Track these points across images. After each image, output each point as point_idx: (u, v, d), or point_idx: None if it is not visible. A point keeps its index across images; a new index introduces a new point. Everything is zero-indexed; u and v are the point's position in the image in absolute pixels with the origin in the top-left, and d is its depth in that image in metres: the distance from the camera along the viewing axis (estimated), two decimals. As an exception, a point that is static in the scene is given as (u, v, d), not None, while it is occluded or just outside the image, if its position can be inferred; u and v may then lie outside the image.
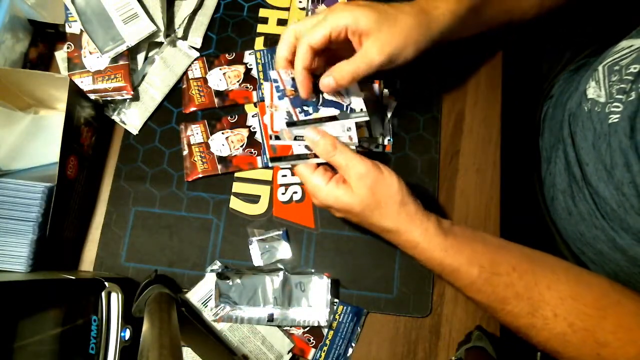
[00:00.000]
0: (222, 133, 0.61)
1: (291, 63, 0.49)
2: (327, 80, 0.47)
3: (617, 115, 0.48)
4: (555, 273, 0.44)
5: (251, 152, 0.61)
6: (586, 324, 0.41)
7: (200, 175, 0.60)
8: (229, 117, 0.62)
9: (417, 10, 0.48)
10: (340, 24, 0.45)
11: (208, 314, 0.55)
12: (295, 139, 0.48)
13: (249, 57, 0.64)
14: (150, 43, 0.63)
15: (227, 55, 0.64)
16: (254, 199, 0.60)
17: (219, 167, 0.60)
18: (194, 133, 0.61)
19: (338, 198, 0.46)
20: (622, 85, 0.49)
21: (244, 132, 0.61)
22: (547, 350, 0.43)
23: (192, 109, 0.62)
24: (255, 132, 0.61)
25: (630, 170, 0.46)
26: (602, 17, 0.78)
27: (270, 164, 0.54)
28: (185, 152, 0.61)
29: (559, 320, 0.41)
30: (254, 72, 0.63)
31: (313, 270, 0.56)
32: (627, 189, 0.47)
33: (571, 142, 0.58)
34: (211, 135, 0.61)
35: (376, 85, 0.62)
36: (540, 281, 0.43)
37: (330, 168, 0.48)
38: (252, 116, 0.62)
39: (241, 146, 0.61)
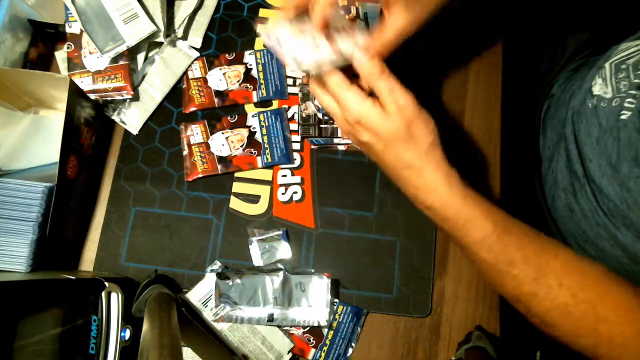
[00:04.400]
0: (222, 133, 0.61)
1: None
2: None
3: (630, 112, 0.48)
4: (560, 247, 0.44)
5: (251, 152, 0.61)
6: (589, 296, 0.41)
7: (200, 175, 0.60)
8: (229, 117, 0.62)
9: None
10: None
11: (208, 314, 0.55)
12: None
13: (249, 57, 0.64)
14: (150, 43, 0.63)
15: (227, 55, 0.64)
16: (254, 199, 0.60)
17: (219, 167, 0.60)
18: (194, 133, 0.61)
19: (372, 117, 0.43)
20: (637, 81, 0.49)
21: (244, 132, 0.61)
22: (545, 323, 0.43)
23: (192, 109, 0.62)
24: (255, 132, 0.61)
25: (639, 165, 0.46)
26: (602, 17, 0.78)
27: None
28: (185, 152, 0.61)
29: (563, 290, 0.41)
30: (254, 72, 0.63)
31: (313, 270, 0.57)
32: (633, 184, 0.47)
33: (574, 139, 0.58)
34: (211, 135, 0.61)
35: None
36: (548, 250, 0.43)
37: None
38: (252, 116, 0.62)
39: (241, 146, 0.61)
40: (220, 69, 0.63)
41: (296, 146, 0.62)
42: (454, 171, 0.45)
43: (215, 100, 0.62)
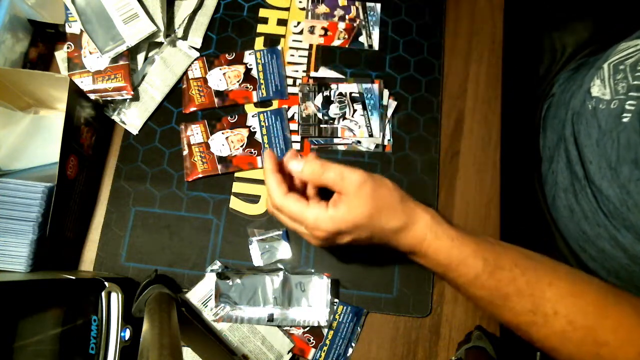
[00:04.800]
0: (222, 133, 0.61)
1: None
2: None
3: (629, 115, 0.48)
4: (556, 271, 0.44)
5: (251, 152, 0.61)
6: (587, 322, 0.41)
7: (200, 175, 0.60)
8: (229, 117, 0.62)
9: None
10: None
11: (208, 314, 0.55)
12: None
13: (249, 57, 0.64)
14: (150, 43, 0.63)
15: (227, 55, 0.64)
16: (254, 199, 0.60)
17: (219, 167, 0.60)
18: (194, 133, 0.61)
19: (344, 217, 0.43)
20: (636, 82, 0.49)
21: (244, 132, 0.61)
22: (545, 348, 0.43)
23: (192, 109, 0.62)
24: (255, 132, 0.61)
25: (639, 167, 0.46)
26: (601, 17, 0.78)
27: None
28: (185, 152, 0.61)
29: (559, 318, 0.41)
30: (254, 72, 0.63)
31: (313, 270, 0.56)
32: (633, 186, 0.47)
33: (574, 140, 0.58)
34: (211, 135, 0.61)
35: (376, 85, 0.62)
36: (542, 278, 0.43)
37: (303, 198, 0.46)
38: (252, 116, 0.62)
39: (241, 146, 0.61)
40: (220, 69, 0.63)
41: (296, 146, 0.62)
42: (432, 211, 0.46)
43: (215, 100, 0.62)
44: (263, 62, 0.64)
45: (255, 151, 0.61)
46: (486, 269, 0.43)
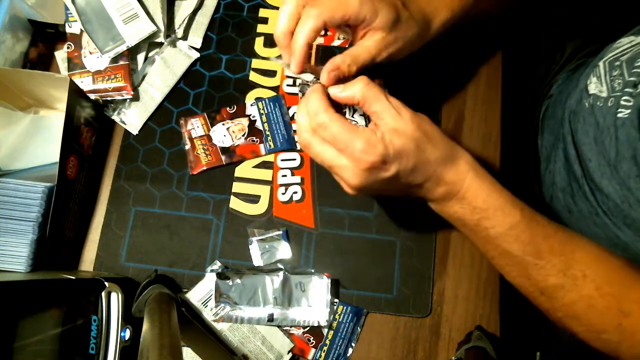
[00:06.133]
0: (223, 124, 0.61)
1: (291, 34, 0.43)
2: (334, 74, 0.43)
3: (628, 111, 0.48)
4: (582, 237, 0.42)
5: (253, 140, 0.61)
6: (613, 289, 0.39)
7: (205, 168, 0.60)
8: (227, 108, 0.62)
9: (421, 18, 0.47)
10: (361, 16, 0.41)
11: (208, 314, 0.55)
12: None
13: (251, 109, 0.62)
14: (150, 43, 0.63)
15: (227, 108, 0.62)
16: (254, 199, 0.60)
17: (223, 157, 0.60)
18: (195, 126, 0.61)
19: (392, 140, 0.38)
20: (632, 79, 0.49)
21: (244, 122, 0.61)
22: (568, 316, 0.41)
23: (201, 169, 0.60)
24: (255, 121, 0.61)
25: (638, 164, 0.46)
26: (600, 17, 0.78)
27: None
28: (187, 147, 0.61)
29: (587, 282, 0.40)
30: (259, 124, 0.61)
31: (313, 270, 0.57)
32: (633, 183, 0.47)
33: (571, 139, 0.58)
34: (212, 127, 0.61)
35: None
36: (571, 240, 0.41)
37: None
38: (251, 105, 0.62)
39: (243, 135, 0.61)
40: (223, 124, 0.61)
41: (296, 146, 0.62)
42: (470, 155, 0.43)
43: (223, 157, 0.60)
44: (267, 111, 0.62)
45: (258, 139, 0.61)
46: (523, 219, 0.41)
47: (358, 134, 0.38)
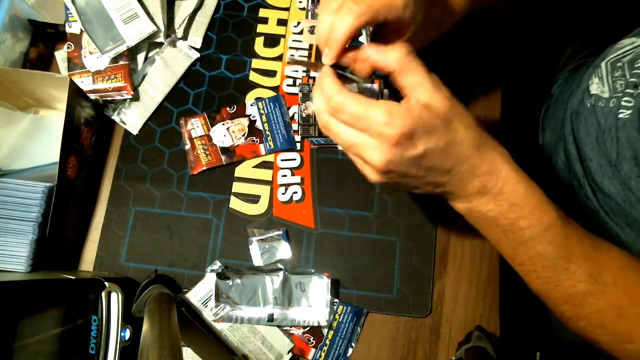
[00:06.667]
0: (223, 124, 0.61)
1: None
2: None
3: (629, 112, 0.48)
4: (608, 242, 0.40)
5: (253, 140, 0.61)
6: None
7: (205, 168, 0.60)
8: (227, 108, 0.62)
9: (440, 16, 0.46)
10: (402, 19, 0.39)
11: (208, 314, 0.55)
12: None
13: (251, 109, 0.62)
14: (150, 43, 0.63)
15: (227, 109, 0.62)
16: (254, 199, 0.60)
17: (223, 157, 0.60)
18: (195, 126, 0.61)
19: (421, 111, 0.35)
20: (633, 80, 0.49)
21: (244, 122, 0.61)
22: (591, 326, 0.39)
23: (201, 169, 0.60)
24: (255, 121, 0.61)
25: (639, 164, 0.46)
26: (600, 18, 0.78)
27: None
28: (187, 147, 0.61)
29: (619, 290, 0.38)
30: (259, 124, 0.61)
31: (313, 270, 0.57)
32: (634, 183, 0.47)
33: (573, 139, 0.58)
34: (212, 127, 0.61)
35: (376, 85, 0.62)
36: (601, 244, 0.39)
37: None
38: (251, 105, 0.62)
39: (243, 135, 0.61)
40: (223, 124, 0.61)
41: (296, 146, 0.62)
42: (504, 148, 0.39)
43: (223, 157, 0.60)
44: (267, 111, 0.62)
45: (258, 139, 0.61)
46: (559, 219, 0.38)
47: (378, 106, 0.35)
